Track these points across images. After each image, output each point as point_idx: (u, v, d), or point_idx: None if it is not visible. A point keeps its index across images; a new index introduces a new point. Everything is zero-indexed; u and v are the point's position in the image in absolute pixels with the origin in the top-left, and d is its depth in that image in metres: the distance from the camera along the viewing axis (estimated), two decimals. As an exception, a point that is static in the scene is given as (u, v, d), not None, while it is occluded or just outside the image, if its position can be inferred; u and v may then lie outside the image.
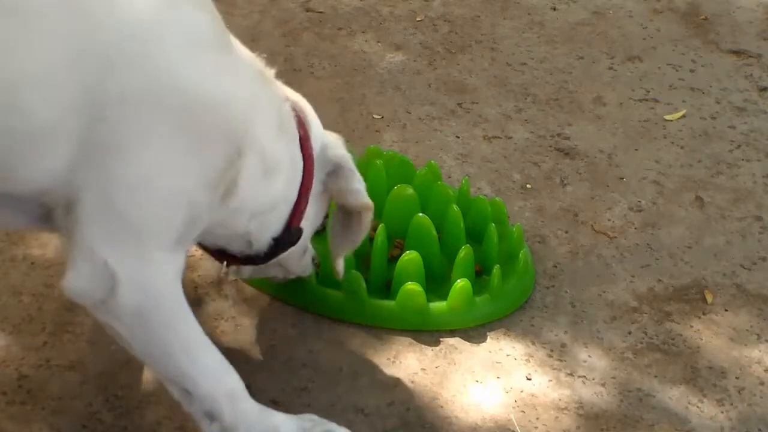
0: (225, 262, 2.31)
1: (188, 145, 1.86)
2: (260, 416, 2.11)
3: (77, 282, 1.88)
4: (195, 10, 1.88)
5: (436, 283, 2.58)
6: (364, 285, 2.51)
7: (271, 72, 2.15)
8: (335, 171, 2.27)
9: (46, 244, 2.63)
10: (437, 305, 2.53)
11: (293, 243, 2.26)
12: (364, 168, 2.84)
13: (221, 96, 1.90)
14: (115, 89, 1.78)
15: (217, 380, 2.04)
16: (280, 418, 2.14)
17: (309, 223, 2.28)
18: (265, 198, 2.12)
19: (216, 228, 2.10)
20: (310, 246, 2.45)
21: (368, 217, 2.32)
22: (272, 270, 2.42)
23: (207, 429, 2.07)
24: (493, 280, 2.56)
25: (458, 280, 2.52)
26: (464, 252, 2.57)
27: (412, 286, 2.50)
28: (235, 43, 2.05)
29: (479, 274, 2.63)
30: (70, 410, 2.27)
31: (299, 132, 2.18)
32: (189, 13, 1.87)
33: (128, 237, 1.87)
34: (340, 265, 2.44)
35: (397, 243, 2.68)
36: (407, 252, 2.55)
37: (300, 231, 2.26)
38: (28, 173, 1.81)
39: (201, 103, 1.86)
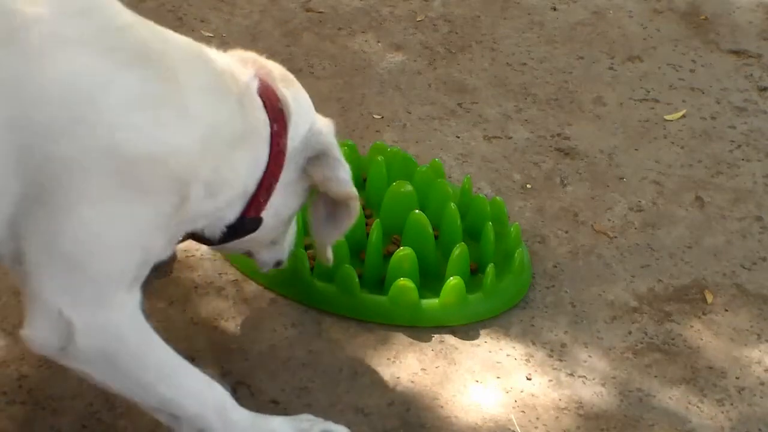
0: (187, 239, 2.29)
1: (132, 199, 1.86)
2: (254, 423, 2.10)
3: (34, 333, 1.87)
4: (127, 70, 1.84)
5: (432, 280, 2.59)
6: (356, 279, 2.52)
7: (251, 67, 2.13)
8: (318, 158, 2.23)
9: (46, 244, 2.63)
10: (429, 302, 2.53)
11: (250, 232, 2.23)
12: (367, 164, 2.86)
13: (160, 151, 1.87)
14: (51, 154, 1.77)
15: (201, 398, 2.03)
16: (275, 421, 2.14)
17: (274, 212, 2.23)
18: (210, 208, 2.10)
19: None
20: (291, 237, 2.43)
21: (355, 207, 2.28)
22: (240, 250, 2.39)
23: None
24: (486, 278, 2.56)
25: (451, 278, 2.52)
26: (459, 250, 2.57)
27: (404, 282, 2.50)
28: (209, 50, 2.05)
29: (475, 273, 2.63)
30: (70, 410, 2.27)
31: (272, 128, 2.13)
32: (121, 73, 1.83)
33: (81, 285, 1.86)
34: (329, 253, 2.41)
35: (394, 239, 2.68)
36: (401, 248, 2.56)
37: (257, 221, 2.21)
38: None
39: (140, 161, 1.84)
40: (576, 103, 3.36)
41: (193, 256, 2.65)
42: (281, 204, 2.23)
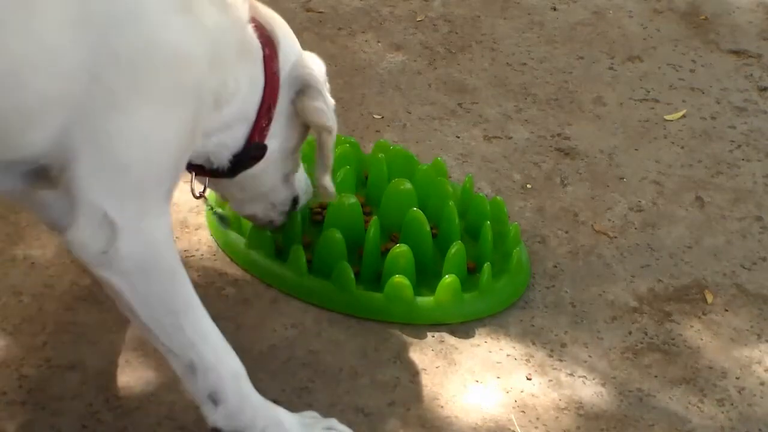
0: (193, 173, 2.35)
1: (169, 101, 1.96)
2: (263, 405, 2.12)
3: (78, 234, 1.93)
4: None
5: (430, 278, 2.59)
6: (352, 276, 2.53)
7: None
8: (303, 89, 2.31)
9: (46, 245, 2.63)
10: (424, 299, 2.54)
11: (256, 159, 2.29)
12: (368, 162, 2.87)
13: (192, 55, 1.98)
14: (109, 53, 1.87)
15: (220, 355, 2.06)
16: (281, 412, 2.15)
17: (277, 141, 2.31)
18: (216, 123, 2.18)
19: None
20: (303, 180, 2.49)
21: (327, 139, 2.34)
22: (257, 206, 2.45)
23: (212, 415, 2.07)
24: (482, 277, 2.56)
25: (446, 276, 2.53)
26: (455, 248, 2.58)
27: (400, 279, 2.51)
28: None
29: (473, 272, 2.63)
30: (70, 410, 2.27)
31: (264, 51, 2.22)
32: None
33: (126, 189, 1.94)
34: (325, 182, 2.43)
35: (393, 236, 2.69)
36: (398, 245, 2.57)
37: (263, 147, 2.28)
38: (28, 142, 1.88)
39: (177, 63, 1.96)
40: (576, 103, 3.36)
41: (192, 256, 2.65)
42: (282, 133, 2.31)
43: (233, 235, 2.66)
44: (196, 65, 2.00)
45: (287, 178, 2.45)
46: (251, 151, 2.27)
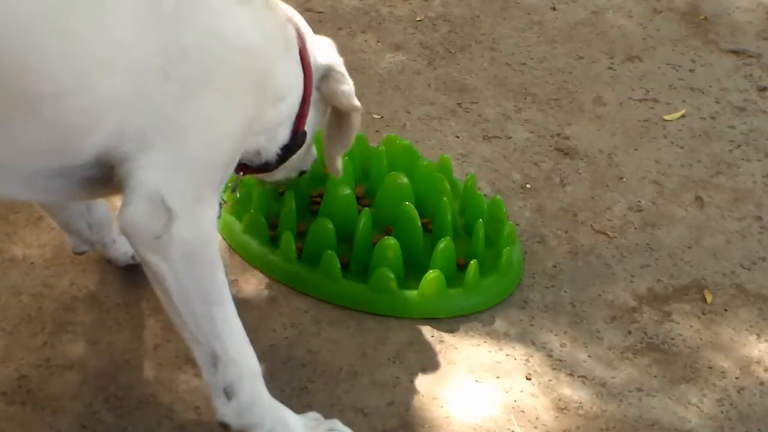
0: (240, 173, 2.45)
1: (231, 91, 2.02)
2: (271, 406, 2.15)
3: (135, 216, 1.97)
4: None
5: (420, 272, 2.59)
6: (338, 265, 2.55)
7: None
8: (327, 74, 2.38)
9: (46, 245, 2.63)
10: (409, 293, 2.55)
11: (300, 147, 2.39)
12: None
13: (256, 44, 2.06)
14: (177, 45, 1.92)
15: (243, 352, 2.10)
16: (287, 413, 2.17)
17: (310, 124, 2.39)
18: (274, 120, 2.26)
19: None
20: (312, 149, 2.57)
21: (357, 119, 2.44)
22: (283, 173, 2.51)
23: (223, 408, 2.10)
24: (468, 274, 2.57)
25: (431, 270, 2.54)
26: (443, 243, 2.59)
27: (385, 271, 2.53)
28: None
29: (463, 268, 2.63)
30: (70, 410, 2.27)
31: (298, 45, 2.28)
32: None
33: (188, 177, 1.99)
34: (338, 163, 2.52)
35: (387, 229, 2.70)
36: (386, 237, 2.58)
37: (304, 134, 2.38)
38: (92, 143, 1.92)
39: (242, 52, 2.03)
40: (576, 103, 3.36)
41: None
42: (314, 116, 2.39)
43: (229, 218, 2.68)
44: (259, 55, 2.07)
45: (309, 147, 2.52)
46: (297, 140, 2.36)
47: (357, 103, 2.42)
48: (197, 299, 2.04)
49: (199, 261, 2.02)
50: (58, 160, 1.94)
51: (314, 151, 2.59)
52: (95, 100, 1.87)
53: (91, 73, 1.85)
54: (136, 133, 1.93)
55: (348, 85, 2.41)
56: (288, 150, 2.37)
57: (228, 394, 2.09)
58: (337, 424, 2.23)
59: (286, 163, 2.43)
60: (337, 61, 2.44)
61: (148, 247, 2.00)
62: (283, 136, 2.33)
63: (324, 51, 2.41)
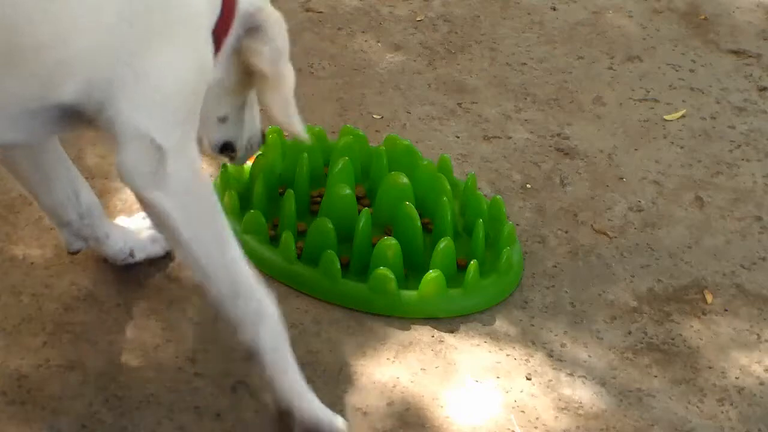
0: None
1: (194, 37, 2.16)
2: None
3: (128, 158, 2.09)
4: None
5: (420, 272, 2.60)
6: (338, 265, 2.55)
7: None
8: (252, 29, 2.35)
9: (45, 244, 2.63)
10: (408, 293, 2.55)
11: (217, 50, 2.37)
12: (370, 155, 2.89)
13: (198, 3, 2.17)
14: (142, 3, 2.05)
15: (257, 282, 2.20)
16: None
17: (220, 72, 2.34)
18: None
19: None
20: (248, 126, 2.52)
21: (276, 84, 2.36)
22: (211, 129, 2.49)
23: (257, 336, 2.20)
24: (468, 274, 2.57)
25: (431, 270, 2.54)
26: (444, 243, 2.59)
27: (384, 271, 2.52)
28: None
29: (463, 268, 2.63)
30: (70, 410, 2.27)
31: None
32: None
33: (169, 116, 2.11)
34: (297, 127, 2.44)
35: (387, 229, 2.70)
36: (386, 237, 2.58)
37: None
38: (68, 90, 2.04)
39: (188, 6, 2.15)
40: (576, 103, 3.36)
41: (192, 256, 2.65)
42: (223, 67, 2.35)
43: (231, 220, 2.68)
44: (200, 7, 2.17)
45: (222, 119, 2.48)
46: None
47: (263, 65, 2.35)
48: (207, 230, 2.16)
49: (197, 192, 2.15)
50: (39, 103, 2.06)
51: (255, 130, 2.54)
52: (71, 52, 2.01)
53: (69, 30, 1.99)
54: (106, 82, 2.05)
55: (264, 47, 2.35)
56: None
57: (259, 316, 2.19)
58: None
59: (211, 128, 2.44)
60: (269, 23, 2.37)
61: (147, 186, 2.11)
62: None
63: (265, 11, 2.38)
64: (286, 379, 2.22)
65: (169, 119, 2.13)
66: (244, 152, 2.56)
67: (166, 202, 2.12)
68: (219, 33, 2.28)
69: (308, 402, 2.23)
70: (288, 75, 2.38)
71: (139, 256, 2.59)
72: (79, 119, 2.13)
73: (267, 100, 2.41)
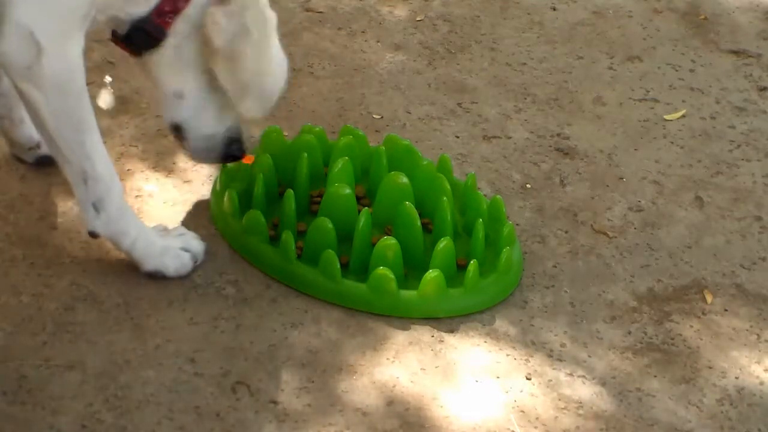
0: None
1: None
2: (134, 217, 2.51)
3: (7, 47, 2.25)
4: None
5: (420, 272, 2.60)
6: (338, 265, 2.55)
7: None
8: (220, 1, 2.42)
9: (45, 244, 2.63)
10: (408, 293, 2.55)
11: (153, 41, 2.44)
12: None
13: None
14: None
15: (110, 171, 2.42)
16: (147, 227, 2.53)
17: (175, 40, 2.44)
18: None
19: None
20: (224, 116, 2.57)
21: (227, 62, 2.43)
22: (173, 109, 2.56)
23: (93, 221, 2.45)
24: (468, 274, 2.57)
25: (431, 270, 2.54)
26: (443, 243, 2.59)
27: (384, 271, 2.52)
28: None
29: (463, 268, 2.63)
30: (70, 410, 2.27)
31: None
32: None
33: (50, 13, 2.25)
34: (250, 113, 2.56)
35: (387, 229, 2.70)
36: (386, 237, 2.58)
37: (161, 31, 2.43)
38: None
39: None
40: (576, 103, 3.36)
41: (192, 256, 2.65)
42: (183, 34, 2.43)
43: (230, 219, 2.68)
44: None
45: (178, 95, 2.53)
46: (150, 30, 2.43)
47: (215, 41, 2.41)
48: (68, 125, 2.34)
49: (66, 91, 2.31)
50: None
51: (229, 130, 2.59)
52: None
53: None
54: None
55: (225, 20, 2.41)
56: (144, 37, 2.43)
57: (96, 207, 2.42)
58: (184, 230, 2.59)
59: (154, 83, 2.51)
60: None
61: (21, 77, 2.28)
62: (136, 12, 2.41)
63: None
64: (139, 244, 2.49)
65: (52, 19, 2.25)
66: (202, 145, 2.60)
67: (37, 96, 2.29)
68: None
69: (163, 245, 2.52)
70: (248, 57, 2.41)
71: (45, 150, 2.70)
72: None
73: (222, 81, 2.45)
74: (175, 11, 2.41)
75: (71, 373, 2.35)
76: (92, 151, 2.38)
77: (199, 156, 2.65)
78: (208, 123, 2.58)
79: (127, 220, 2.48)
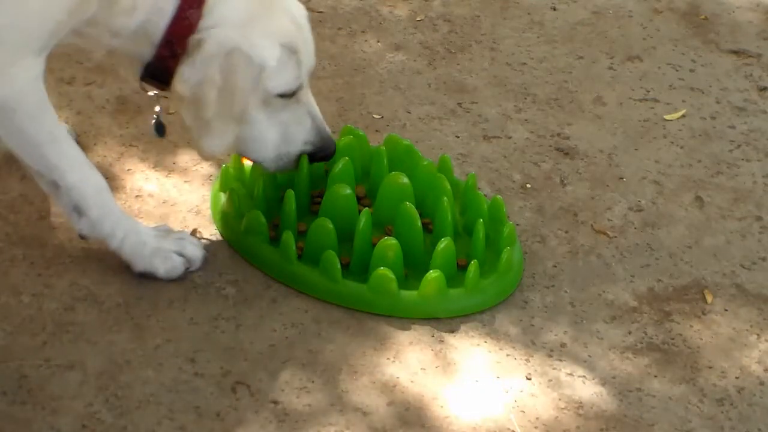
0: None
1: None
2: (122, 217, 2.50)
3: None
4: None
5: (421, 272, 2.59)
6: (338, 265, 2.56)
7: None
8: (192, 48, 2.44)
9: (45, 244, 2.63)
10: (409, 293, 2.55)
11: (174, 56, 2.44)
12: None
13: None
14: None
15: (83, 174, 2.42)
16: (139, 224, 2.54)
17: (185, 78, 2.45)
18: (124, 27, 2.40)
19: (103, 33, 2.42)
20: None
21: (188, 108, 2.49)
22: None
23: (77, 223, 2.46)
24: (468, 274, 2.57)
25: (431, 270, 2.54)
26: (444, 244, 2.59)
27: (384, 272, 2.52)
28: None
29: (463, 268, 2.63)
30: (70, 410, 2.27)
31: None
32: None
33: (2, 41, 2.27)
34: (204, 151, 2.56)
35: (387, 229, 2.70)
36: (386, 237, 2.58)
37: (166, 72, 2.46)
38: None
39: None
40: (576, 103, 3.36)
41: (192, 256, 2.65)
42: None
43: (231, 219, 2.68)
44: None
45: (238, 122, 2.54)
46: (163, 64, 2.45)
47: (178, 89, 2.47)
48: (25, 143, 2.37)
49: (16, 113, 2.33)
50: None
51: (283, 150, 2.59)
52: None
53: None
54: None
55: (194, 72, 2.45)
56: (154, 72, 2.46)
57: (78, 211, 2.44)
58: (186, 234, 2.59)
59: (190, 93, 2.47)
60: (220, 43, 2.46)
61: None
62: (143, 51, 2.44)
63: (239, 31, 2.46)
64: (127, 245, 2.49)
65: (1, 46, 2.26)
66: (274, 166, 2.63)
67: None
68: (177, 34, 2.40)
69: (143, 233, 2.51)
70: (211, 101, 2.43)
71: None
72: None
73: (185, 119, 2.50)
74: (174, 55, 2.47)
75: (71, 373, 2.35)
76: (58, 162, 2.40)
77: (278, 170, 2.68)
78: (273, 148, 2.61)
79: (113, 221, 2.47)
